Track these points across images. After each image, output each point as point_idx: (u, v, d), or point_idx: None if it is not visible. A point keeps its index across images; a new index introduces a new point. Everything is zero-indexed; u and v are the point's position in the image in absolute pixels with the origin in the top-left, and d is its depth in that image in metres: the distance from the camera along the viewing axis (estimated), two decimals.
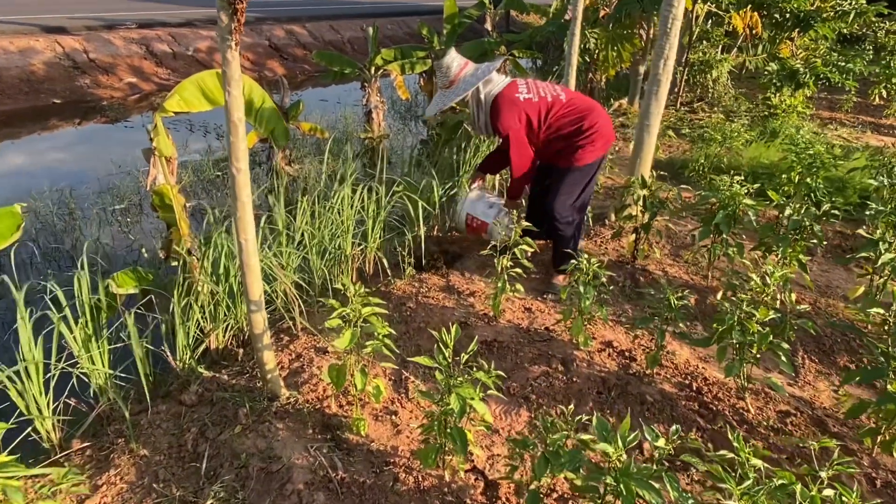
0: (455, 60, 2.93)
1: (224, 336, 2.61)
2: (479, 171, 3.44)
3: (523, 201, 3.31)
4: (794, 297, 2.52)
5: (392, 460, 1.93)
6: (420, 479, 1.85)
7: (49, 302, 2.09)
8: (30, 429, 1.98)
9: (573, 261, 2.52)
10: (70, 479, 1.46)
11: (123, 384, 2.31)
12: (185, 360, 2.41)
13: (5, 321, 3.59)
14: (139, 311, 2.40)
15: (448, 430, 1.69)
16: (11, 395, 1.90)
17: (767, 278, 2.22)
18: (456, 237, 3.87)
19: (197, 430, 2.04)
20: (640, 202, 3.02)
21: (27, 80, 8.77)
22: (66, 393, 2.10)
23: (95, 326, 2.15)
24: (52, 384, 2.03)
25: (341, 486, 1.81)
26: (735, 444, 1.46)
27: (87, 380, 2.16)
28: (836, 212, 2.92)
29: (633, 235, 3.20)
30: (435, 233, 3.79)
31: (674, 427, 1.47)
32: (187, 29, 11.30)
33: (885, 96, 7.28)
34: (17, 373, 1.90)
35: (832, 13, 6.41)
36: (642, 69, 6.86)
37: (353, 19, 14.45)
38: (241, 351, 2.57)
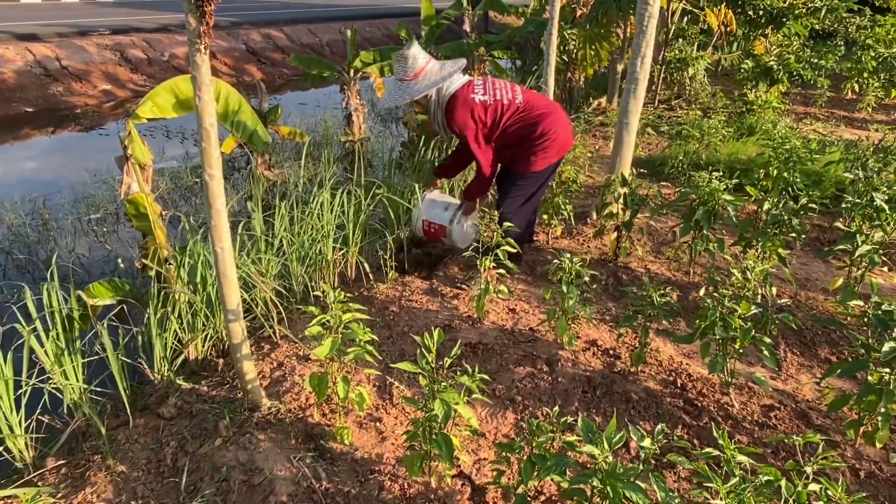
0: (421, 53, 2.85)
1: (203, 346, 2.55)
2: (436, 174, 3.39)
3: (477, 203, 3.27)
4: (774, 290, 2.54)
5: (377, 468, 1.89)
6: (406, 486, 1.82)
7: (18, 314, 2.02)
8: (0, 448, 1.92)
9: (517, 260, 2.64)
10: (41, 499, 1.40)
11: (99, 399, 2.25)
12: (163, 372, 2.36)
13: None
14: (112, 322, 2.33)
15: (433, 437, 1.67)
16: None
17: (748, 273, 2.23)
18: None
19: (176, 444, 1.99)
20: (621, 200, 3.03)
21: None
22: (38, 409, 2.03)
23: (68, 339, 2.09)
24: (24, 401, 1.97)
25: (325, 497, 1.77)
26: (720, 441, 1.46)
27: (60, 395, 2.10)
28: (814, 205, 2.95)
29: (615, 233, 3.21)
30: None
31: (659, 426, 1.46)
32: (162, 34, 11.15)
33: (857, 91, 7.41)
34: None
35: (804, 10, 6.51)
36: (620, 68, 6.91)
37: (330, 22, 14.36)
38: (220, 361, 2.52)
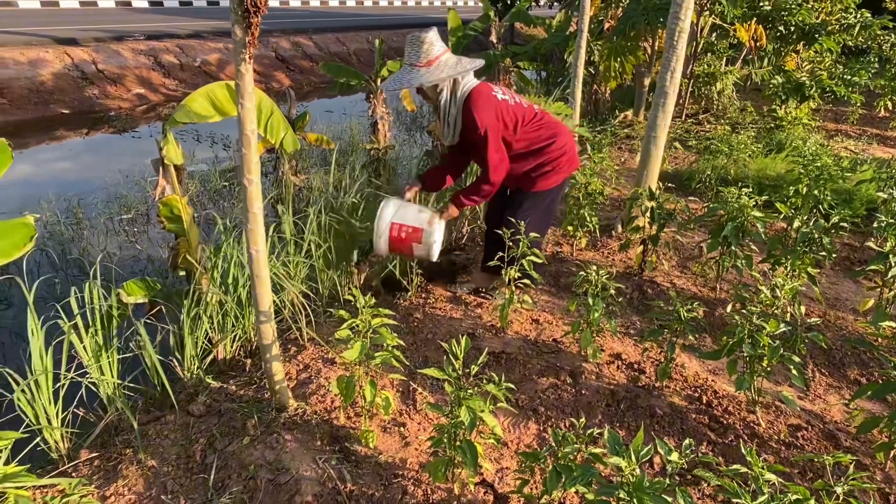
0: (438, 41, 2.57)
1: (231, 346, 2.61)
2: (420, 181, 2.93)
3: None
4: (803, 309, 2.51)
5: (401, 473, 1.91)
6: (429, 492, 1.84)
7: (60, 310, 2.10)
8: (38, 439, 1.98)
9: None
10: (80, 490, 1.45)
11: (131, 394, 2.31)
12: (193, 371, 2.41)
13: (12, 329, 3.60)
14: (150, 321, 2.40)
15: (458, 444, 1.69)
16: (21, 404, 1.90)
17: (778, 291, 2.21)
18: (464, 245, 3.87)
19: (205, 441, 2.04)
20: (648, 214, 3.02)
21: (36, 91, 8.87)
22: (74, 402, 2.10)
23: (106, 336, 2.16)
24: (62, 393, 2.03)
25: (350, 499, 1.79)
26: (748, 458, 1.45)
27: (95, 389, 2.16)
28: (845, 224, 2.91)
29: (641, 247, 3.20)
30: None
31: (687, 441, 1.46)
32: (195, 41, 11.42)
33: (890, 108, 7.28)
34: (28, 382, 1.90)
35: (837, 26, 6.44)
36: (647, 81, 6.89)
37: (358, 31, 14.57)
38: (248, 361, 2.57)
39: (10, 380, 1.89)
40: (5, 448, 1.45)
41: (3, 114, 8.27)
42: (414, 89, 2.63)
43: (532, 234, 2.66)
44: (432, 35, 2.54)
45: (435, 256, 2.84)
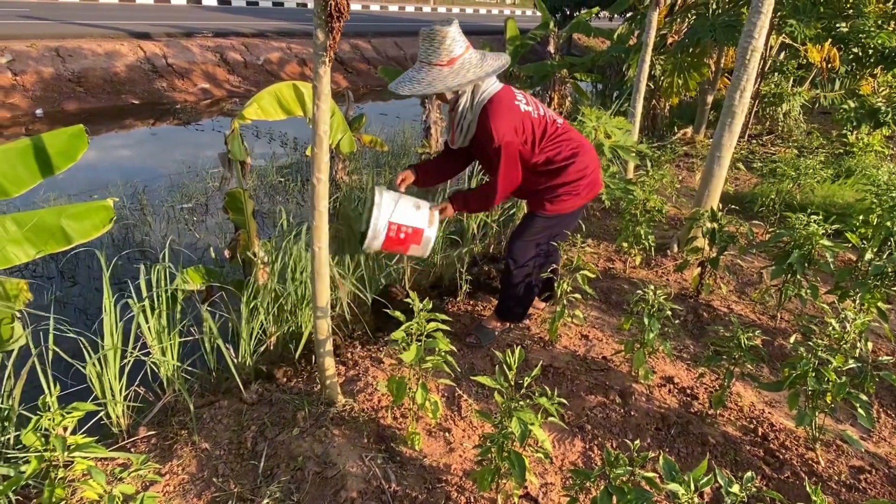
0: (460, 36, 2.20)
1: (283, 338, 2.67)
2: (413, 173, 2.57)
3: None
4: (870, 345, 2.39)
5: (444, 478, 1.92)
6: (472, 500, 1.83)
7: (132, 290, 2.19)
8: (102, 413, 2.08)
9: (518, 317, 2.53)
10: (145, 467, 1.51)
11: (188, 377, 2.40)
12: (247, 359, 2.48)
13: (76, 306, 3.79)
14: (209, 309, 2.48)
15: (506, 454, 1.67)
16: (91, 378, 1.99)
17: (847, 324, 2.11)
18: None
19: (256, 429, 2.09)
20: (709, 235, 2.94)
21: (110, 81, 9.33)
22: (136, 381, 2.19)
23: (170, 319, 2.25)
24: (126, 371, 2.12)
25: (394, 499, 1.81)
26: (813, 497, 1.39)
27: (156, 369, 2.25)
28: None
29: (699, 269, 3.11)
30: (491, 250, 3.78)
31: (748, 474, 1.40)
32: (259, 39, 11.79)
33: None
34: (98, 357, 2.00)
35: None
36: (710, 98, 6.72)
37: (416, 37, 14.73)
38: (298, 354, 2.62)
39: (85, 350, 1.99)
40: (75, 418, 1.52)
41: (79, 101, 8.75)
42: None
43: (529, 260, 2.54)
44: (454, 30, 2.18)
45: (428, 254, 2.55)
